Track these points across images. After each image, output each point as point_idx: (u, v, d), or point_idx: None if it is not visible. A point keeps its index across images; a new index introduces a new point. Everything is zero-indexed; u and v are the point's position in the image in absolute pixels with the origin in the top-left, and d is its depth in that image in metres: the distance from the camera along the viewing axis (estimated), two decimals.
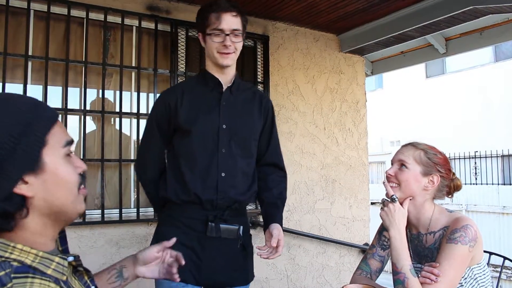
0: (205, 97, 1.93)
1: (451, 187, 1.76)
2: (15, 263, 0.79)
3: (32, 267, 0.81)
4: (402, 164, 1.73)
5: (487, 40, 4.23)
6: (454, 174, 1.77)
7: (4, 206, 0.80)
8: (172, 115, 1.89)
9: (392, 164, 1.78)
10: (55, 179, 0.86)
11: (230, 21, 1.86)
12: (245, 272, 1.98)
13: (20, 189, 0.81)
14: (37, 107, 0.86)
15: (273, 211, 2.02)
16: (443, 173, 1.71)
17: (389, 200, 1.69)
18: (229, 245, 1.89)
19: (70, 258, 0.89)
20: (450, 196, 1.78)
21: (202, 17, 1.89)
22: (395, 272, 1.59)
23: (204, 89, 1.95)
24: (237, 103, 1.96)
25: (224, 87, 1.94)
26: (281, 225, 1.98)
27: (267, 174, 2.07)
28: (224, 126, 1.89)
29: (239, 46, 1.91)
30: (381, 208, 1.71)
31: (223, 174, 1.87)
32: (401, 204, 1.69)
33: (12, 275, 0.77)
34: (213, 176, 1.86)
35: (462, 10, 3.33)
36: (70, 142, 0.90)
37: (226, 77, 1.95)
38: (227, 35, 1.85)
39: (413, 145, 1.76)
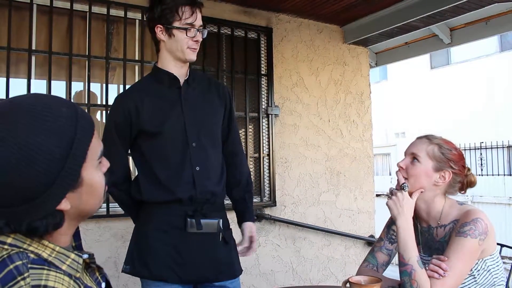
0: (164, 96, 1.89)
1: (464, 183, 1.72)
2: (32, 255, 0.80)
3: (48, 261, 0.82)
4: (414, 158, 1.69)
5: (493, 29, 4.19)
6: (469, 169, 1.73)
7: (46, 223, 0.81)
8: (134, 120, 1.84)
9: (405, 155, 1.74)
10: (90, 189, 0.86)
11: (200, 17, 1.86)
12: (231, 266, 1.94)
13: (60, 205, 0.82)
14: (78, 119, 0.83)
15: (242, 207, 2.04)
16: (456, 170, 1.67)
17: (397, 189, 1.67)
18: (211, 240, 1.86)
19: (85, 256, 0.89)
20: (463, 192, 1.74)
21: (171, 8, 1.80)
22: (402, 264, 1.57)
23: (161, 87, 1.90)
24: (197, 95, 1.93)
25: (181, 81, 1.91)
26: (252, 219, 2.01)
27: (232, 163, 2.05)
28: (188, 121, 1.87)
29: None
30: (389, 197, 1.67)
31: (197, 168, 1.85)
32: (411, 195, 1.66)
33: (29, 266, 0.78)
34: (188, 172, 1.84)
35: None
36: (103, 150, 0.89)
37: (184, 71, 1.92)
38: (197, 30, 1.84)
39: (428, 138, 1.71)
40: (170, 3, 1.80)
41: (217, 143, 1.97)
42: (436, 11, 3.56)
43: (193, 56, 1.87)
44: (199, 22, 1.84)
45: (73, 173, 0.81)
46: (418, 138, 1.76)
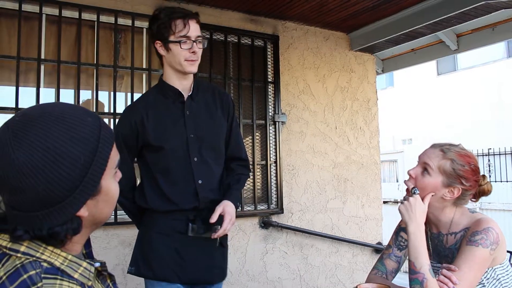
0: (168, 111, 1.93)
1: (476, 193, 1.67)
2: (45, 264, 0.80)
3: (60, 270, 0.82)
4: (425, 168, 1.65)
5: (500, 35, 4.18)
6: (484, 177, 1.67)
7: (66, 228, 0.82)
8: (140, 133, 1.90)
9: (418, 162, 1.70)
10: (106, 198, 0.88)
11: (195, 28, 1.88)
12: (222, 270, 2.02)
13: (80, 211, 0.83)
14: (101, 128, 0.85)
15: (227, 191, 2.01)
16: (467, 186, 1.61)
17: (408, 195, 1.64)
18: (209, 244, 1.92)
19: (97, 264, 0.90)
20: (474, 200, 1.69)
21: (165, 24, 1.85)
22: (413, 271, 1.53)
23: (166, 101, 1.94)
24: (200, 109, 1.97)
25: (185, 95, 1.95)
26: (234, 202, 1.95)
27: (230, 168, 2.09)
28: (191, 136, 1.91)
29: (201, 52, 1.92)
30: (401, 202, 1.64)
31: (200, 182, 1.91)
32: (422, 199, 1.62)
33: (42, 275, 0.78)
34: (191, 186, 1.90)
35: (474, 5, 3.30)
36: (119, 160, 0.92)
37: (188, 84, 1.96)
38: (194, 41, 1.86)
39: (442, 150, 1.64)
40: (164, 19, 1.86)
41: (220, 156, 2.01)
42: (443, 17, 3.56)
43: (192, 68, 1.90)
44: (194, 33, 1.86)
45: (95, 180, 0.83)
46: (433, 146, 1.70)
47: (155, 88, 2.05)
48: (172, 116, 1.92)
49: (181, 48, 1.84)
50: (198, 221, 1.89)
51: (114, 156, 0.88)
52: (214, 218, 1.84)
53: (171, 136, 1.90)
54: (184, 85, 1.95)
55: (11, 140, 0.78)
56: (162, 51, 1.90)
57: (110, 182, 0.88)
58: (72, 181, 0.79)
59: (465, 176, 1.61)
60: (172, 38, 1.85)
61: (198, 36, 1.88)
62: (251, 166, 3.75)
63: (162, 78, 1.98)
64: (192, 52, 1.86)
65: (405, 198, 1.65)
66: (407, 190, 1.67)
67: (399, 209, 1.64)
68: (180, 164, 1.90)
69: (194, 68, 1.90)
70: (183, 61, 1.87)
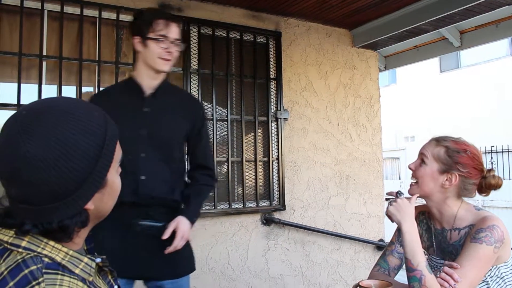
0: (125, 104, 1.97)
1: (481, 185, 1.66)
2: (46, 259, 0.80)
3: (61, 265, 0.82)
4: (422, 159, 1.68)
5: (503, 32, 4.16)
6: (490, 171, 1.68)
7: (75, 222, 0.83)
8: None
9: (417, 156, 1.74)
10: (110, 191, 0.89)
11: (175, 31, 1.94)
12: (174, 267, 1.99)
13: (87, 204, 0.84)
14: (107, 123, 0.87)
15: (185, 204, 2.03)
16: (464, 173, 1.62)
17: (394, 197, 1.66)
18: (154, 241, 1.91)
19: (98, 260, 0.90)
20: (484, 194, 1.68)
21: (147, 21, 1.92)
22: (411, 269, 1.53)
23: (126, 95, 2.00)
24: (162, 109, 2.00)
25: (149, 92, 1.99)
26: (190, 218, 1.96)
27: (194, 177, 2.12)
28: (144, 132, 1.94)
29: (176, 55, 1.98)
30: (390, 204, 1.65)
31: (142, 177, 1.93)
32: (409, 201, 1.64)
33: (44, 271, 0.78)
34: (133, 180, 1.91)
35: (477, 2, 3.28)
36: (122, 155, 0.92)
37: (156, 82, 2.00)
38: (172, 42, 1.92)
39: (437, 140, 1.69)
40: (148, 16, 1.94)
41: (170, 156, 2.02)
42: (446, 14, 3.54)
43: (165, 67, 1.95)
44: (173, 35, 1.94)
45: (103, 172, 0.84)
46: (431, 139, 1.74)
47: (121, 82, 2.13)
48: (127, 110, 1.96)
49: (158, 45, 1.91)
50: (140, 219, 1.89)
51: (118, 150, 0.89)
52: (166, 235, 1.87)
53: (122, 129, 1.90)
54: (151, 83, 1.99)
55: (21, 133, 0.77)
56: (139, 46, 1.95)
57: (115, 176, 0.89)
58: (82, 174, 0.80)
59: (461, 162, 1.62)
60: (151, 35, 1.91)
61: (177, 39, 1.95)
62: (253, 163, 3.77)
63: (131, 74, 2.04)
64: (168, 52, 1.92)
65: (392, 201, 1.66)
66: (392, 193, 1.69)
67: (388, 212, 1.65)
68: (128, 158, 1.90)
69: (166, 67, 1.96)
70: (157, 58, 1.93)
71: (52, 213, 0.80)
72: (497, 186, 1.66)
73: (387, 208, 1.66)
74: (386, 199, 1.69)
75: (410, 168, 1.72)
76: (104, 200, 0.88)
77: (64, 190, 0.79)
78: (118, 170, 0.93)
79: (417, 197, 1.67)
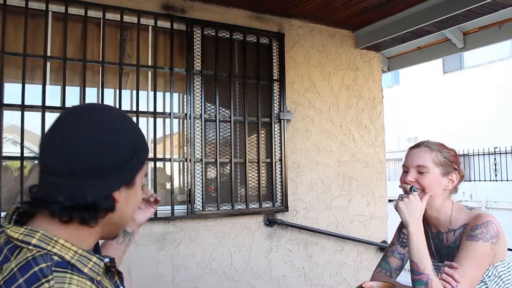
0: None
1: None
2: (55, 257, 0.82)
3: (70, 263, 0.83)
4: (420, 171, 1.66)
5: (507, 33, 4.15)
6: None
7: (104, 204, 0.87)
8: None
9: (407, 169, 1.70)
10: (134, 197, 0.96)
11: None
12: None
13: (115, 193, 0.89)
14: (143, 135, 0.98)
15: None
16: (458, 169, 1.68)
17: (407, 193, 1.63)
18: None
19: (106, 260, 0.91)
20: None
21: None
22: (417, 272, 1.51)
23: None
24: None
25: None
26: None
27: None
28: None
29: None
30: (400, 199, 1.62)
31: None
32: (421, 199, 1.62)
33: (53, 268, 0.79)
34: None
35: (481, 3, 3.27)
36: (146, 173, 1.01)
37: None
38: None
39: (426, 146, 1.70)
40: None
41: None
42: (449, 15, 3.53)
43: None
44: None
45: (135, 168, 0.93)
46: (414, 148, 1.73)
47: None
48: None
49: None
50: None
51: (146, 167, 0.98)
52: None
53: None
54: None
55: (77, 117, 0.88)
56: None
57: (139, 186, 0.97)
58: (122, 158, 0.88)
59: (455, 160, 1.69)
60: None
61: None
62: (256, 164, 3.78)
63: None
64: None
65: (403, 196, 1.63)
66: (405, 190, 1.67)
67: (397, 207, 1.61)
68: None
69: None
70: None
71: (88, 188, 0.84)
72: (464, 178, 1.74)
73: (397, 201, 1.62)
74: (399, 194, 1.67)
75: (410, 182, 1.67)
76: (128, 203, 0.93)
77: (104, 167, 0.85)
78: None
79: (430, 195, 1.64)
